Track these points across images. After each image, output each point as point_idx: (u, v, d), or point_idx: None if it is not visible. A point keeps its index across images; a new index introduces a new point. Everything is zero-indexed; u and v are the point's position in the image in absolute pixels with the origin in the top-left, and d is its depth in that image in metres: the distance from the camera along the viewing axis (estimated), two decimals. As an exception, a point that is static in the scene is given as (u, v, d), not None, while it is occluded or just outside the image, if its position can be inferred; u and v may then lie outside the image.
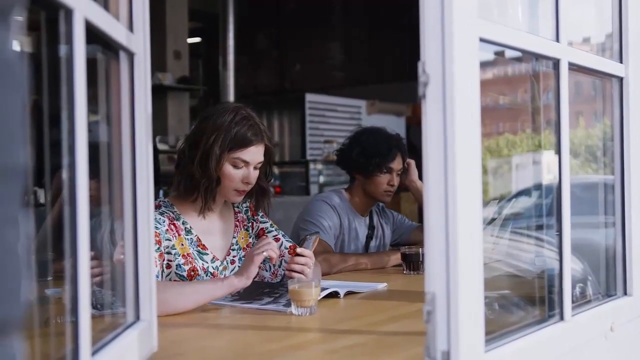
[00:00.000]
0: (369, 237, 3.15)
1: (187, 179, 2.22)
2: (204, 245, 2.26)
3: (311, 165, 7.62)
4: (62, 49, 1.00)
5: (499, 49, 1.43)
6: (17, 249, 0.55)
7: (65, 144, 0.99)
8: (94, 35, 1.10)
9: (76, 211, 1.00)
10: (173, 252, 2.17)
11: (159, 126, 7.38)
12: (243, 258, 2.33)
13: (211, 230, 2.31)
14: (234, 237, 2.37)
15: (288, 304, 1.93)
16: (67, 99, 1.00)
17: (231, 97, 8.29)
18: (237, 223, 2.40)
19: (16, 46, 0.59)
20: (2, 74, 0.53)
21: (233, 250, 2.36)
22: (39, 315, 1.25)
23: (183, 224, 2.24)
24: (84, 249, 1.01)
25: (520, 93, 2.09)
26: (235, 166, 2.21)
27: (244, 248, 2.38)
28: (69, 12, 0.99)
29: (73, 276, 1.00)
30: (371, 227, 3.16)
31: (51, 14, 0.99)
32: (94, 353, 1.07)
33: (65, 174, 1.00)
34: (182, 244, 2.20)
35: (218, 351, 1.61)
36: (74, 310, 1.00)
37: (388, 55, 8.95)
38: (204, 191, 2.21)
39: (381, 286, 2.37)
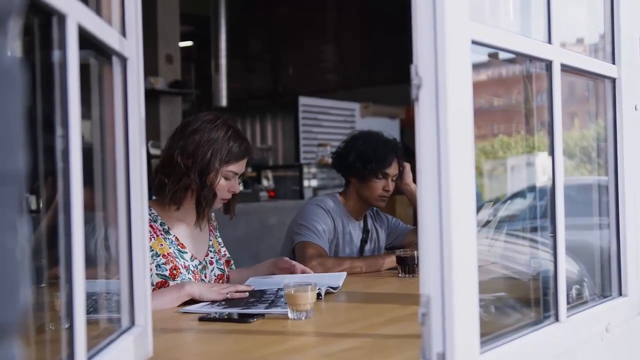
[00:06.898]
0: (364, 241, 3.14)
1: (182, 190, 2.29)
2: (182, 244, 2.34)
3: (305, 169, 7.60)
4: (55, 54, 1.00)
5: (493, 50, 1.43)
6: (15, 254, 0.55)
7: (59, 149, 0.98)
8: (86, 40, 1.10)
9: (70, 217, 1.00)
10: (151, 253, 2.22)
11: (152, 131, 7.36)
12: (219, 260, 2.47)
13: (189, 234, 2.39)
14: (210, 240, 2.48)
15: (286, 306, 1.92)
16: (61, 104, 0.99)
17: (224, 101, 8.26)
18: (211, 228, 2.52)
19: (14, 52, 0.59)
20: (1, 80, 0.54)
21: (210, 252, 2.46)
22: (34, 321, 1.25)
23: (161, 225, 2.32)
24: (79, 255, 1.01)
25: (515, 94, 2.09)
26: (226, 178, 2.33)
27: (217, 251, 2.49)
28: (62, 18, 0.99)
29: (68, 282, 1.00)
30: (365, 231, 3.16)
31: (44, 19, 0.99)
32: (89, 359, 1.07)
33: (59, 180, 1.00)
34: (162, 244, 2.28)
35: (213, 356, 1.61)
36: (70, 316, 1.00)
37: (381, 58, 8.96)
38: (206, 203, 2.32)
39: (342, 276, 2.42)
